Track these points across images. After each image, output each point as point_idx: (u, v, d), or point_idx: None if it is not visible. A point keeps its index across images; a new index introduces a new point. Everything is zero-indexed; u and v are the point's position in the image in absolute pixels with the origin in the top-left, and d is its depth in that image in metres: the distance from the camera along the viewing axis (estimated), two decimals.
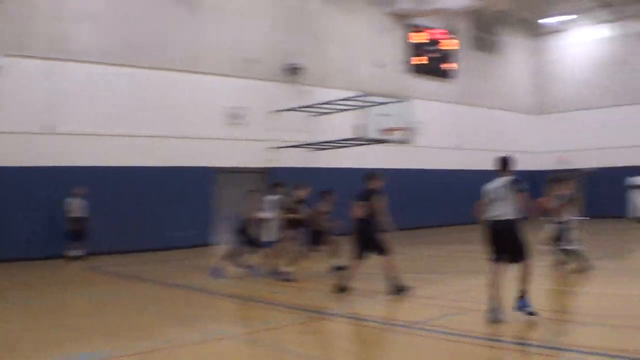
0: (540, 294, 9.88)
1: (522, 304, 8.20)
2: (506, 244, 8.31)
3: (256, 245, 13.50)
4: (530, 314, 8.13)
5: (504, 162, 8.79)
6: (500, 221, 8.36)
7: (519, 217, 8.36)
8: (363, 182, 10.82)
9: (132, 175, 19.64)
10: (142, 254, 18.64)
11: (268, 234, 13.23)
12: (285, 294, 11.20)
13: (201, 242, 20.44)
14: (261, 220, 13.32)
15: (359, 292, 11.59)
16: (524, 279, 8.18)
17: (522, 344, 7.21)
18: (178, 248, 19.57)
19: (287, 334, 7.99)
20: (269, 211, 13.30)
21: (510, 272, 8.24)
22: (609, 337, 7.41)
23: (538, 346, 7.09)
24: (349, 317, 8.94)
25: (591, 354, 6.58)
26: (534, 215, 9.12)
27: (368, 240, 10.52)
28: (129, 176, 19.53)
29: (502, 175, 8.70)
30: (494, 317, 8.04)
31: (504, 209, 8.37)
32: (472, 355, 6.90)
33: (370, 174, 10.87)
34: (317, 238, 13.54)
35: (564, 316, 9.10)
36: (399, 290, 10.21)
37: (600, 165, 31.86)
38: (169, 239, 19.85)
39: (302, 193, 13.34)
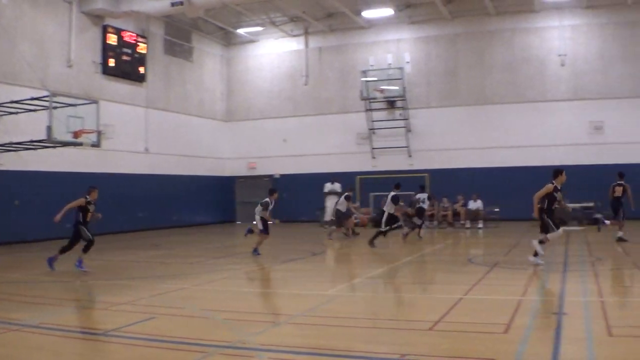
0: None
1: None
2: None
3: None
4: None
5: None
6: None
7: None
8: (554, 178, 12.70)
9: None
10: None
11: None
12: None
13: None
14: None
15: (53, 301, 11.45)
16: None
17: (216, 346, 7.81)
18: None
19: None
20: None
21: None
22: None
23: (229, 347, 7.79)
24: (42, 327, 8.85)
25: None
26: None
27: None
28: None
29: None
30: None
31: None
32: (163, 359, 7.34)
33: (558, 171, 12.59)
34: None
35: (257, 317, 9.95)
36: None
37: (283, 172, 34.32)
38: None
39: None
